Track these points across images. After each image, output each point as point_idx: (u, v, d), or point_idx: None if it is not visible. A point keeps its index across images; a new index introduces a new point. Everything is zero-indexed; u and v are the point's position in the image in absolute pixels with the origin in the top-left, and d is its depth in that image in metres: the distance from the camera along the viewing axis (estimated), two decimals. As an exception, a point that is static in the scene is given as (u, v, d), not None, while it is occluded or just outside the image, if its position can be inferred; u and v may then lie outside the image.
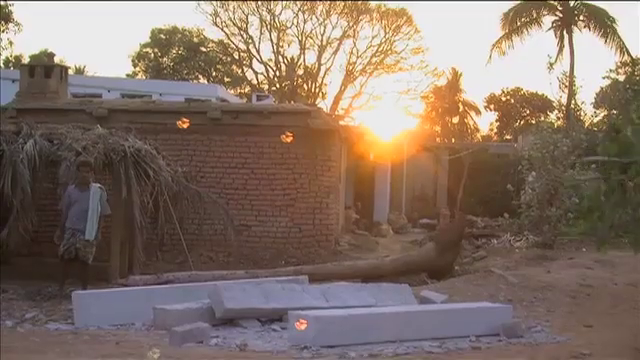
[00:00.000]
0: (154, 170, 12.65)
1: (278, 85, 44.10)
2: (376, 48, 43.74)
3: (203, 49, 44.18)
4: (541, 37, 39.78)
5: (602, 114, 35.88)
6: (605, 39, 31.51)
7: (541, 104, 41.69)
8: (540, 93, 42.21)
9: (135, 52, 45.18)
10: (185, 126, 15.05)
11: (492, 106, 44.32)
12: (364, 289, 9.94)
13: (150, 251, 13.89)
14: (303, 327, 8.01)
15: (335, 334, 7.98)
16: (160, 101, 18.37)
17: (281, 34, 43.66)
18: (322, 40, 43.56)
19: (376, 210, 24.20)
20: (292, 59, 44.23)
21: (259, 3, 42.50)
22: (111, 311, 9.19)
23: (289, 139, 15.36)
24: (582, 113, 32.97)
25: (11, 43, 37.34)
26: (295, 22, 43.21)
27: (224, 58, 44.80)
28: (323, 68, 44.11)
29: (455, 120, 44.66)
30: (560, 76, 31.43)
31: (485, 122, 58.70)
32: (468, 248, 16.79)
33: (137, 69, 45.04)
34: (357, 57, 43.77)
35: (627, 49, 31.56)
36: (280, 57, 44.21)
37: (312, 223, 16.07)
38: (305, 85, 44.75)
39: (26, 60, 33.91)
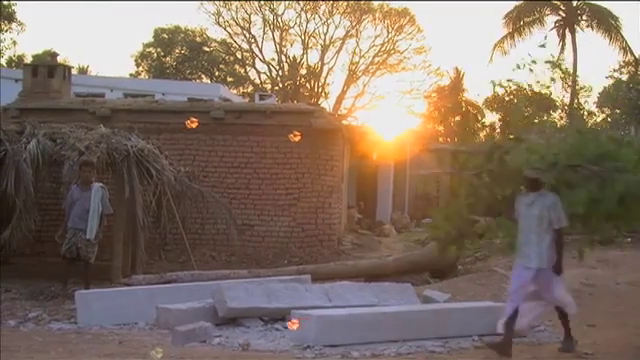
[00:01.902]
0: (157, 170, 12.66)
1: (281, 85, 44.10)
2: (379, 48, 43.77)
3: (206, 49, 44.22)
4: (544, 37, 39.68)
5: (605, 113, 35.88)
6: (610, 38, 31.47)
7: (544, 104, 41.62)
8: (543, 92, 42.16)
9: (138, 52, 45.30)
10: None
11: (495, 105, 44.26)
12: (367, 288, 9.93)
13: (153, 250, 13.91)
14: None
15: (338, 333, 7.97)
16: (163, 101, 18.38)
17: (284, 33, 43.68)
18: (325, 40, 43.60)
19: (379, 209, 24.17)
20: (295, 59, 44.26)
21: (262, 3, 42.53)
22: (114, 310, 9.19)
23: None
24: (585, 112, 32.97)
25: (15, 43, 37.49)
26: (298, 22, 43.28)
27: (227, 58, 44.83)
28: (326, 68, 44.16)
29: (458, 119, 44.60)
30: (563, 76, 31.42)
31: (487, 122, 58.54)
32: (471, 247, 16.73)
33: (140, 69, 45.11)
34: (360, 57, 43.79)
35: (630, 49, 31.56)
36: (283, 57, 44.25)
37: (315, 222, 16.07)
38: (308, 85, 44.75)
39: (29, 60, 33.98)
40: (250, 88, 44.20)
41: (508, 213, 8.11)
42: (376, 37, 43.56)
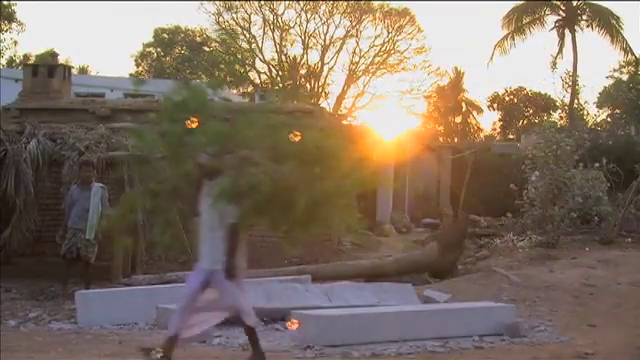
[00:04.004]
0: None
1: (281, 85, 44.07)
2: (379, 48, 43.70)
3: (206, 49, 44.20)
4: (544, 36, 39.79)
5: (605, 113, 35.90)
6: (612, 39, 31.41)
7: (544, 103, 41.66)
8: (543, 92, 42.20)
9: (138, 52, 45.29)
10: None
11: (495, 105, 44.29)
12: (367, 288, 9.94)
13: (153, 250, 13.88)
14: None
15: (338, 333, 7.97)
16: (163, 101, 18.35)
17: (284, 34, 43.63)
18: (325, 40, 43.56)
19: (379, 209, 24.15)
20: (295, 59, 44.23)
21: (262, 3, 42.49)
22: (114, 310, 9.19)
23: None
24: (585, 112, 32.99)
25: (15, 43, 37.50)
26: (298, 22, 43.22)
27: (227, 58, 44.81)
28: (326, 68, 44.13)
29: (458, 120, 44.65)
30: (563, 75, 31.42)
31: (488, 121, 58.70)
32: (471, 247, 16.76)
33: (140, 69, 45.11)
34: (360, 57, 43.74)
35: (630, 49, 31.53)
36: (283, 57, 44.21)
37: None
38: (308, 85, 44.73)
39: (33, 60, 34.01)
40: (250, 88, 44.19)
41: (193, 205, 6.77)
42: (376, 37, 43.53)
